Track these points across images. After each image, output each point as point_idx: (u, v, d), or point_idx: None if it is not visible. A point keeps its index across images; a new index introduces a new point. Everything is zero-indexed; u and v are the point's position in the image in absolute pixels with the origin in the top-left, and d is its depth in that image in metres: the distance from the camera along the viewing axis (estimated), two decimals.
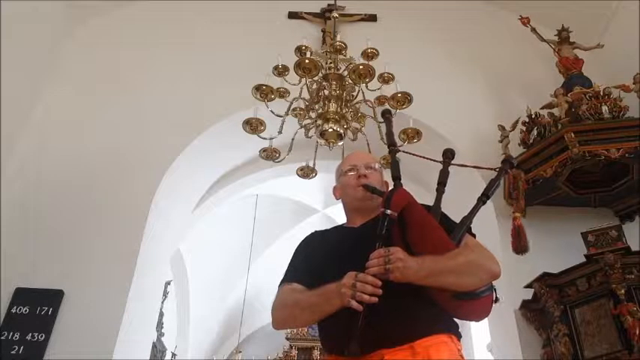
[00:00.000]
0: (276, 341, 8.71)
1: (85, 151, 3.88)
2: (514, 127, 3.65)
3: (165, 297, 5.77)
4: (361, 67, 2.79)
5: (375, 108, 3.01)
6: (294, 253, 1.68)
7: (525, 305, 3.24)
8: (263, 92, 2.91)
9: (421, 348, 1.29)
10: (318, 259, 1.55)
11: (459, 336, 1.41)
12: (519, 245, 3.01)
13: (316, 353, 8.46)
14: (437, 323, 1.36)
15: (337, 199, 1.77)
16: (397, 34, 4.51)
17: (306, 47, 2.97)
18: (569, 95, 3.47)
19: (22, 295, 3.25)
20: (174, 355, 6.78)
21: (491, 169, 1.76)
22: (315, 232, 1.75)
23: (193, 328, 7.52)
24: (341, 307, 1.33)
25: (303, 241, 1.71)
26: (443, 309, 1.39)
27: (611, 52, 3.92)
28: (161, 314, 5.77)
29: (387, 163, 2.85)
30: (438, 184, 1.67)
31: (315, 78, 2.93)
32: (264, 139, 2.94)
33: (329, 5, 4.57)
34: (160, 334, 6.15)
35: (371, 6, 4.77)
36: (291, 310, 1.50)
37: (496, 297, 1.46)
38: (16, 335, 3.12)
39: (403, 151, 2.04)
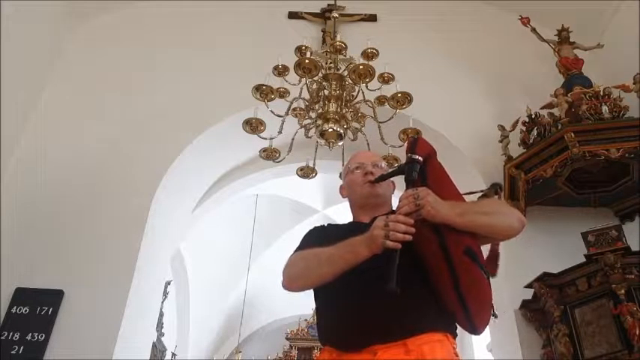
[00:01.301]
0: (276, 341, 8.72)
1: (85, 151, 3.88)
2: (514, 127, 3.64)
3: (165, 297, 5.77)
4: (361, 67, 2.78)
5: (375, 108, 3.01)
6: (306, 236, 1.64)
7: (525, 305, 3.24)
8: (263, 92, 2.91)
9: (414, 346, 1.27)
10: (333, 241, 1.50)
11: (454, 335, 1.38)
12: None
13: (316, 353, 8.45)
14: (432, 321, 1.34)
15: (344, 198, 1.76)
16: (397, 34, 4.50)
17: (306, 47, 2.96)
18: (569, 95, 3.46)
19: (22, 295, 3.25)
20: (174, 355, 6.78)
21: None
22: (327, 223, 1.74)
23: (193, 328, 7.52)
24: (366, 256, 1.30)
25: (314, 227, 1.68)
26: (441, 307, 1.36)
27: (611, 52, 3.91)
28: (161, 314, 5.77)
29: (393, 160, 2.86)
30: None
31: (315, 78, 2.92)
32: (264, 139, 2.93)
33: (329, 5, 4.57)
34: (160, 334, 6.15)
35: (371, 6, 4.77)
36: (307, 264, 1.45)
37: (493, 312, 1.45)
38: (16, 335, 3.12)
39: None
